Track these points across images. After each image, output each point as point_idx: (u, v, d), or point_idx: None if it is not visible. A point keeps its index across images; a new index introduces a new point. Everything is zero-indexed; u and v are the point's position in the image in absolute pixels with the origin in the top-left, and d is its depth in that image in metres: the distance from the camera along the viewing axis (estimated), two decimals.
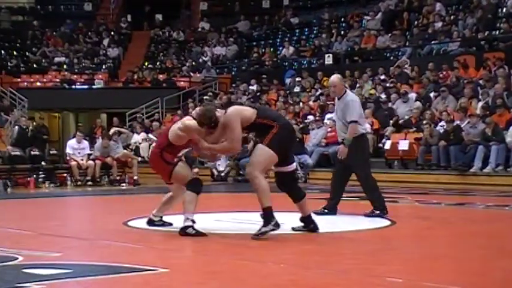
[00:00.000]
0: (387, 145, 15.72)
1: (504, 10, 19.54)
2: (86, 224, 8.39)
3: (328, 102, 17.52)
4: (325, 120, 16.44)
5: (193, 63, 25.47)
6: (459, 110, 15.28)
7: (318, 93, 19.72)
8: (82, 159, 15.69)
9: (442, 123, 15.08)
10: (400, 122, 16.37)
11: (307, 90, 20.17)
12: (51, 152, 17.03)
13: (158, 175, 7.15)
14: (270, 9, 27.65)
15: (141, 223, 7.30)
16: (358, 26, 22.78)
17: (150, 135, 18.71)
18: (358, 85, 19.24)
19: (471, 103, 15.75)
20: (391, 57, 20.96)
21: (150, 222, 7.15)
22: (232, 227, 7.20)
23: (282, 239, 6.46)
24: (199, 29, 27.82)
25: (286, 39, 24.90)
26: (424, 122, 15.24)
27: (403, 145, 15.37)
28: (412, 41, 20.60)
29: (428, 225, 7.71)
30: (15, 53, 26.32)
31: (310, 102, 19.22)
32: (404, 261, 5.34)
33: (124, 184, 15.68)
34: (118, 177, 15.95)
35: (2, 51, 25.85)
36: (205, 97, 22.20)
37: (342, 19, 24.44)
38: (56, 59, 25.70)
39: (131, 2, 29.82)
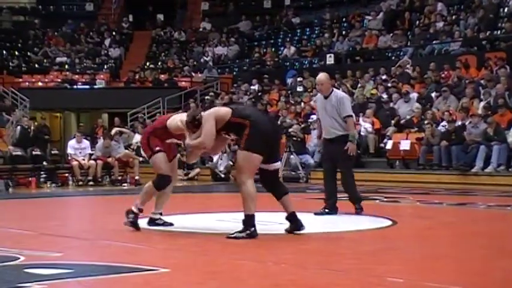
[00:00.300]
0: (389, 145, 15.72)
1: (506, 10, 19.52)
2: (87, 224, 8.40)
3: None
4: None
5: (195, 63, 25.47)
6: (461, 110, 15.28)
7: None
8: (84, 159, 15.71)
9: (444, 123, 15.07)
10: (402, 122, 16.37)
11: (309, 90, 20.16)
12: (52, 152, 17.04)
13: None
14: (271, 9, 27.64)
15: (142, 223, 7.29)
16: (360, 26, 22.78)
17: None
18: (359, 85, 19.24)
19: (473, 103, 15.74)
20: (393, 57, 20.95)
21: (151, 222, 7.18)
22: (233, 227, 7.19)
23: (282, 239, 6.46)
24: (201, 29, 27.83)
25: (288, 39, 24.90)
26: (426, 122, 15.23)
27: (405, 145, 15.37)
28: (414, 41, 20.59)
29: (429, 225, 7.70)
30: (16, 53, 26.34)
31: (312, 102, 19.21)
32: (405, 261, 5.33)
33: (125, 184, 15.69)
34: (119, 177, 15.96)
35: (4, 52, 25.87)
36: (206, 97, 22.22)
37: (344, 19, 24.43)
38: (58, 59, 25.71)
39: (133, 2, 29.82)
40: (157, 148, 6.88)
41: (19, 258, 5.27)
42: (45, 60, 25.76)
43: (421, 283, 4.39)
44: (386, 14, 22.41)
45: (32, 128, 18.32)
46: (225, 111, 6.50)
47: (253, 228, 6.28)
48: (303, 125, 16.95)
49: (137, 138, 19.07)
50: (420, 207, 9.99)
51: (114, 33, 27.42)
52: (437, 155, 14.55)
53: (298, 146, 15.73)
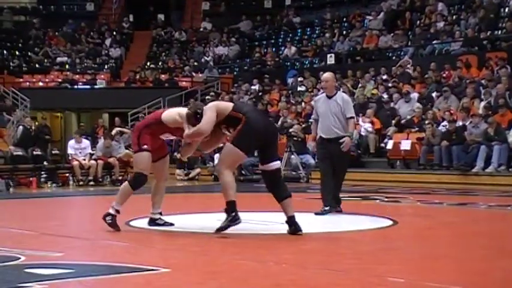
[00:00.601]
0: (389, 145, 15.72)
1: (506, 10, 19.51)
2: (88, 224, 8.40)
3: None
4: None
5: (195, 63, 25.48)
6: (461, 110, 15.28)
7: (320, 93, 19.72)
8: (84, 159, 15.72)
9: (444, 123, 15.08)
10: (402, 122, 16.37)
11: (309, 90, 20.16)
12: (53, 152, 17.06)
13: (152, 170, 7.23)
14: (272, 9, 27.65)
15: (143, 223, 7.31)
16: (360, 26, 22.78)
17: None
18: (360, 85, 19.24)
19: (473, 103, 15.74)
20: (393, 57, 20.95)
21: (152, 222, 7.18)
22: (234, 226, 7.20)
23: (282, 239, 6.46)
24: (201, 29, 27.84)
25: (288, 39, 24.90)
26: (426, 122, 15.24)
27: (405, 145, 15.38)
28: (414, 40, 20.58)
29: (430, 225, 7.70)
30: (17, 53, 26.35)
31: (312, 102, 19.22)
32: (405, 261, 5.34)
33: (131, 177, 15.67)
34: (120, 177, 15.96)
35: (4, 51, 25.88)
36: (207, 97, 22.21)
37: (344, 19, 24.43)
38: (58, 59, 25.72)
39: (133, 2, 29.83)
40: (145, 146, 6.83)
41: (20, 258, 5.27)
42: (45, 60, 25.77)
43: (421, 283, 4.39)
44: (387, 14, 22.41)
45: (33, 128, 18.34)
46: (226, 104, 6.65)
47: (234, 213, 6.35)
48: (303, 125, 16.94)
49: None
50: (421, 207, 9.99)
51: (114, 33, 27.43)
52: (438, 155, 14.55)
53: (298, 146, 15.72)
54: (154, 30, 27.74)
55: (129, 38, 27.88)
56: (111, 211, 6.81)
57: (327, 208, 8.34)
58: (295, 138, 15.76)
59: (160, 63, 26.14)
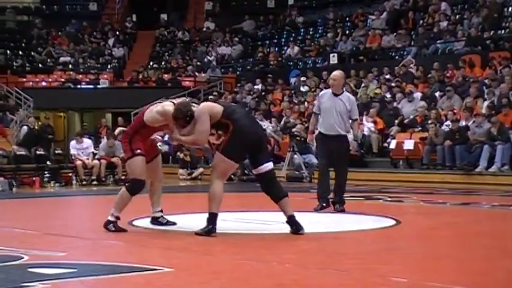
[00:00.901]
0: (392, 145, 15.71)
1: (510, 9, 19.48)
2: (91, 224, 8.40)
3: None
4: None
5: (198, 63, 25.50)
6: (465, 109, 15.26)
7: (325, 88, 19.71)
8: (88, 159, 15.73)
9: (448, 122, 15.06)
10: (405, 121, 16.35)
11: (312, 89, 20.16)
12: (56, 152, 17.08)
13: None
14: (274, 9, 27.65)
15: (146, 222, 7.31)
16: (363, 26, 22.76)
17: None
18: (363, 85, 19.22)
19: (476, 102, 15.72)
20: (396, 57, 20.94)
21: (154, 220, 7.20)
22: (237, 226, 7.21)
23: (285, 239, 6.46)
24: (204, 29, 27.84)
25: (291, 38, 24.90)
26: (429, 121, 15.22)
27: (408, 145, 15.36)
28: (418, 40, 20.56)
29: (433, 225, 7.69)
30: (20, 52, 26.39)
31: (315, 102, 19.21)
32: (408, 261, 5.33)
33: (128, 184, 15.67)
34: (123, 177, 15.94)
35: (8, 51, 25.92)
36: (210, 97, 22.21)
37: (347, 18, 24.42)
38: (61, 59, 25.76)
39: (136, 2, 29.85)
40: (138, 151, 6.73)
41: (23, 257, 5.28)
42: (48, 60, 25.81)
43: (424, 283, 4.39)
44: (390, 13, 22.39)
45: (36, 127, 18.37)
46: (217, 109, 6.44)
47: (211, 226, 6.36)
48: (306, 125, 16.93)
49: None
50: (424, 207, 9.98)
51: (117, 33, 27.45)
52: (441, 155, 14.53)
53: (301, 146, 15.72)
54: (158, 30, 27.75)
55: (132, 38, 27.90)
56: (111, 218, 6.77)
57: (324, 204, 8.56)
58: (298, 138, 15.76)
59: (163, 63, 26.16)
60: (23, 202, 12.03)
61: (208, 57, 25.59)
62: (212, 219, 6.40)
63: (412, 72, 18.90)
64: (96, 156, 16.04)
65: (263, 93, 21.79)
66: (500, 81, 15.80)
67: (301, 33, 25.43)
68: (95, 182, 15.59)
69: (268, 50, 25.05)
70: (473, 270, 4.89)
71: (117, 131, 16.00)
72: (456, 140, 14.35)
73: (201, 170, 17.35)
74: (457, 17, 20.53)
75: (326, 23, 24.79)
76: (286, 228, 6.65)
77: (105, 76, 24.45)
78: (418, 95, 17.15)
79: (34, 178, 15.18)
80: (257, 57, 24.97)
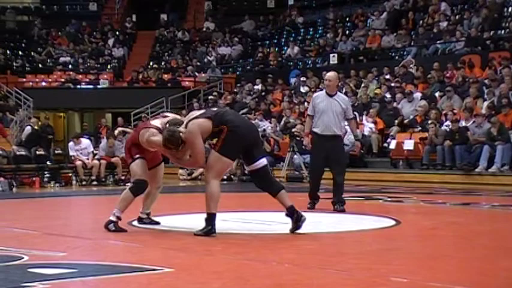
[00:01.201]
0: (392, 145, 15.73)
1: (510, 10, 19.50)
2: (91, 224, 8.40)
3: None
4: None
5: (198, 63, 25.51)
6: (465, 109, 15.27)
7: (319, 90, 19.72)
8: (88, 159, 15.72)
9: (447, 122, 15.07)
10: (405, 121, 16.36)
11: (312, 89, 20.17)
12: (56, 152, 17.06)
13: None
14: (274, 9, 27.67)
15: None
16: (363, 26, 22.78)
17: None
18: (363, 85, 19.23)
19: (476, 103, 15.74)
20: (396, 57, 20.96)
21: (139, 220, 7.29)
22: (237, 226, 7.21)
23: (285, 239, 6.46)
24: (204, 29, 27.85)
25: (291, 39, 24.92)
26: (429, 121, 15.23)
27: (408, 145, 15.38)
28: (417, 40, 20.57)
29: (433, 225, 7.69)
30: (20, 53, 26.40)
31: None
32: (408, 261, 5.33)
33: (129, 184, 15.68)
34: (123, 177, 15.96)
35: (7, 51, 25.93)
36: (210, 97, 22.23)
37: (347, 19, 24.44)
38: (61, 59, 25.78)
39: (136, 2, 29.86)
40: (137, 155, 6.86)
41: (23, 257, 5.27)
42: (48, 60, 25.82)
43: (424, 283, 4.39)
44: (389, 13, 22.41)
45: (36, 127, 18.39)
46: (207, 124, 6.36)
47: (210, 227, 6.36)
48: None
49: None
50: (424, 207, 9.97)
51: (117, 33, 27.47)
52: (441, 155, 14.54)
53: (301, 146, 15.70)
54: (157, 30, 27.76)
55: (132, 38, 27.92)
56: (112, 218, 6.80)
57: (315, 202, 8.81)
58: (298, 138, 15.76)
59: (163, 63, 26.18)
60: (23, 202, 12.03)
61: (208, 58, 25.60)
62: (211, 219, 6.40)
63: (412, 72, 18.91)
64: (96, 157, 16.04)
65: (263, 94, 21.80)
66: (500, 82, 15.82)
67: (301, 33, 25.45)
68: (94, 182, 15.58)
69: (268, 50, 25.07)
70: (474, 270, 4.89)
71: (117, 131, 16.03)
72: (456, 140, 14.36)
73: (200, 170, 17.27)
74: (457, 17, 20.55)
75: (326, 23, 24.80)
76: (286, 228, 6.65)
77: (105, 76, 24.47)
78: (418, 95, 17.16)
79: (34, 178, 15.18)
80: (257, 58, 24.99)
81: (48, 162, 15.84)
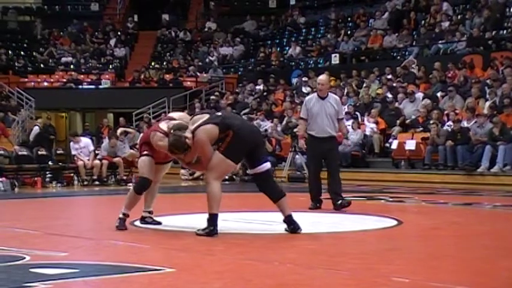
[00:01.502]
0: (394, 145, 15.72)
1: None
2: (93, 224, 8.41)
3: None
4: None
5: (200, 63, 25.50)
6: (466, 109, 15.26)
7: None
8: (88, 159, 15.70)
9: (449, 122, 15.05)
10: (407, 121, 16.35)
11: (314, 90, 20.14)
12: (58, 152, 17.08)
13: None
14: (276, 9, 27.66)
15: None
16: (365, 26, 22.76)
17: None
18: (364, 85, 19.22)
19: (478, 103, 15.72)
20: (398, 57, 20.94)
21: (142, 219, 7.31)
22: (239, 226, 7.21)
23: (288, 239, 6.46)
24: (206, 29, 27.85)
25: (293, 39, 24.90)
26: (431, 121, 15.21)
27: (410, 145, 15.36)
28: (419, 40, 20.56)
29: (434, 225, 7.69)
30: (22, 53, 26.41)
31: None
32: (410, 261, 5.33)
33: (131, 184, 15.68)
34: (125, 177, 15.99)
35: (9, 51, 25.94)
36: (211, 97, 22.22)
37: (349, 19, 24.43)
38: (63, 59, 25.78)
39: (138, 2, 29.86)
40: (145, 152, 6.92)
41: (25, 258, 5.28)
42: (50, 60, 25.83)
43: (426, 283, 4.39)
44: (391, 13, 22.39)
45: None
46: (214, 130, 6.38)
47: (212, 227, 6.37)
48: None
49: None
50: (425, 207, 9.97)
51: (119, 33, 27.49)
52: (443, 155, 14.53)
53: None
54: (159, 30, 27.76)
55: (133, 38, 27.93)
56: (120, 215, 6.93)
57: (318, 205, 8.94)
58: None
59: (164, 63, 26.18)
60: (25, 202, 12.04)
61: (210, 58, 25.60)
62: (213, 219, 6.40)
63: (414, 72, 18.90)
64: (98, 157, 16.05)
65: (265, 94, 21.79)
66: (502, 82, 15.80)
67: (303, 34, 25.44)
68: (96, 182, 15.59)
69: (269, 50, 25.06)
70: (475, 271, 4.89)
71: (119, 131, 16.07)
72: (458, 140, 14.35)
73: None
74: (459, 17, 20.53)
75: (328, 23, 24.80)
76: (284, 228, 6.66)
77: (107, 76, 24.47)
78: (419, 95, 17.14)
79: (36, 178, 15.19)
80: (259, 58, 24.98)
81: (50, 162, 15.85)
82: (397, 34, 21.16)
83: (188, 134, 6.42)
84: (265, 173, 6.61)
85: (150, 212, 7.31)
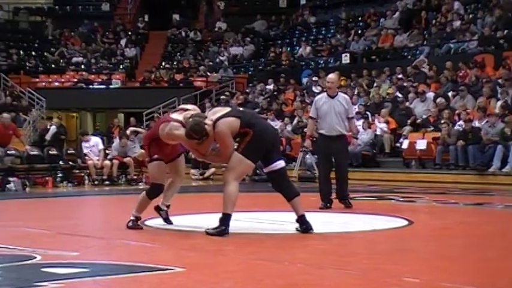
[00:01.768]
0: (405, 144, 15.67)
1: None
2: (103, 223, 8.43)
3: None
4: None
5: (210, 63, 25.52)
6: (478, 109, 15.19)
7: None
8: (98, 158, 15.74)
9: (460, 122, 14.99)
10: (418, 121, 16.29)
11: (324, 89, 20.12)
12: (68, 152, 17.11)
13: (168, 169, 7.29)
14: (286, 9, 27.64)
15: (159, 222, 7.32)
16: (376, 25, 22.71)
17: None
18: (375, 84, 19.17)
19: (490, 102, 15.64)
20: (409, 57, 20.87)
21: (157, 210, 7.29)
22: (249, 226, 7.21)
23: (298, 239, 6.45)
24: (216, 29, 27.86)
25: (303, 38, 24.88)
26: (442, 121, 15.15)
27: (421, 144, 15.31)
28: (430, 40, 20.48)
29: (445, 225, 7.65)
30: (33, 53, 26.51)
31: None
32: (421, 261, 5.31)
33: (141, 183, 15.73)
34: (135, 177, 16.01)
35: (21, 52, 26.05)
36: (222, 97, 22.23)
37: (359, 18, 24.38)
38: (74, 59, 25.86)
39: (148, 2, 29.91)
40: (156, 156, 6.86)
41: (36, 257, 5.29)
42: (61, 61, 25.91)
43: (437, 283, 4.37)
44: (402, 13, 22.32)
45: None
46: (235, 123, 6.39)
47: (224, 227, 6.36)
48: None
49: None
50: (436, 207, 9.93)
51: (129, 33, 27.54)
52: (454, 155, 14.47)
53: (313, 146, 15.67)
54: (169, 30, 27.80)
55: (144, 38, 27.97)
56: (131, 217, 6.98)
57: (328, 204, 8.95)
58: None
59: (175, 63, 26.20)
60: (36, 202, 12.08)
61: (220, 57, 25.61)
62: (226, 219, 6.39)
63: (425, 72, 18.83)
64: (109, 156, 16.09)
65: (275, 93, 21.78)
66: None
67: (313, 33, 25.41)
68: (107, 182, 15.62)
69: (280, 50, 25.04)
70: (487, 271, 4.86)
71: (129, 131, 16.05)
72: (469, 140, 14.28)
73: (213, 170, 17.36)
74: (470, 16, 20.44)
75: (338, 22, 24.75)
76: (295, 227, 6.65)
77: (117, 76, 24.52)
78: (430, 94, 17.08)
79: (47, 178, 15.24)
80: (269, 57, 24.97)
81: (60, 162, 15.91)
82: (408, 33, 21.10)
83: (208, 121, 6.41)
84: (279, 171, 6.60)
85: (167, 206, 7.27)
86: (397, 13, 22.44)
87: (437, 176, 14.49)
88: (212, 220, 6.61)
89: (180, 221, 7.50)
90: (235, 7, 29.23)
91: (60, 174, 15.73)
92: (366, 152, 16.03)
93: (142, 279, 4.63)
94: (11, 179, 14.19)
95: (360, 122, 15.84)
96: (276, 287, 4.37)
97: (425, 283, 4.41)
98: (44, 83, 24.26)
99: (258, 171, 15.98)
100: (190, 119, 6.44)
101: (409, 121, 16.28)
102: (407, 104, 17.11)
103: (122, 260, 5.30)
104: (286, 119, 18.61)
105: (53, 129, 18.62)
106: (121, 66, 25.83)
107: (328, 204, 8.97)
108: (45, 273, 4.66)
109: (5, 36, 26.83)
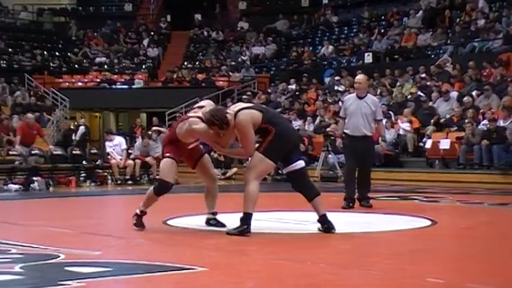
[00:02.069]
0: (428, 144, 15.56)
1: None
2: (125, 223, 8.44)
3: None
4: None
5: (232, 62, 25.54)
6: (503, 108, 15.03)
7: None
8: (120, 158, 15.82)
9: (485, 121, 14.84)
10: (441, 121, 16.17)
11: (347, 89, 20.06)
12: (91, 152, 17.23)
13: (197, 175, 7.27)
14: (309, 8, 27.58)
15: (180, 222, 7.34)
16: (399, 24, 22.57)
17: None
18: (398, 84, 19.06)
19: None
20: (432, 56, 20.71)
21: (206, 222, 7.14)
22: (271, 226, 7.19)
23: (320, 239, 6.43)
24: (238, 29, 27.88)
25: (326, 38, 24.81)
26: (466, 120, 15.02)
27: (444, 144, 15.20)
28: (454, 38, 20.31)
29: (469, 225, 7.58)
30: (57, 53, 26.74)
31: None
32: (445, 261, 5.26)
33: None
34: (157, 176, 16.03)
35: (45, 52, 26.29)
36: (244, 96, 22.23)
37: (382, 17, 24.25)
38: (97, 59, 26.04)
39: (171, 2, 30.02)
40: (168, 154, 6.80)
41: (60, 256, 5.32)
42: (84, 61, 26.10)
43: (461, 284, 4.32)
44: (425, 11, 22.16)
45: (72, 127, 18.63)
46: (257, 116, 6.37)
47: (245, 226, 6.33)
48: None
49: None
50: (460, 207, 9.85)
51: (152, 33, 27.66)
52: (478, 155, 14.34)
53: (335, 145, 15.63)
54: (192, 30, 27.87)
55: (166, 38, 28.08)
56: (138, 212, 6.90)
57: (351, 204, 8.95)
58: (332, 138, 15.68)
59: (197, 63, 26.27)
60: (60, 201, 12.17)
61: (242, 57, 25.62)
62: (247, 219, 6.38)
63: (448, 71, 18.68)
64: (131, 156, 16.17)
65: (297, 93, 21.74)
66: None
67: (336, 33, 25.32)
68: (129, 182, 15.70)
69: (302, 49, 24.99)
70: (511, 272, 4.81)
71: (152, 131, 16.05)
72: (493, 139, 14.14)
73: (235, 169, 17.37)
74: (495, 14, 20.23)
75: (361, 22, 24.65)
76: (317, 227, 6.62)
77: (140, 76, 24.64)
78: (454, 94, 16.95)
79: (70, 178, 15.35)
80: (291, 57, 24.93)
81: (84, 162, 16.01)
82: (431, 32, 20.94)
83: (229, 111, 6.40)
84: (299, 171, 6.57)
85: (213, 214, 7.11)
86: (421, 12, 22.28)
87: (460, 176, 14.36)
88: (233, 220, 6.60)
89: (201, 221, 7.50)
90: (257, 7, 29.22)
91: (83, 174, 15.84)
92: (388, 151, 15.95)
93: (164, 279, 4.63)
94: (35, 178, 14.31)
95: (383, 121, 15.75)
96: (298, 287, 4.35)
97: (450, 284, 4.36)
98: (67, 83, 24.45)
99: (280, 171, 15.98)
100: (211, 110, 6.44)
101: (432, 121, 16.16)
102: (430, 103, 16.98)
103: (144, 259, 5.31)
104: (308, 118, 18.57)
105: (81, 129, 18.73)
106: (143, 66, 25.95)
107: (351, 204, 8.96)
108: (69, 272, 4.68)
109: (29, 37, 27.11)
